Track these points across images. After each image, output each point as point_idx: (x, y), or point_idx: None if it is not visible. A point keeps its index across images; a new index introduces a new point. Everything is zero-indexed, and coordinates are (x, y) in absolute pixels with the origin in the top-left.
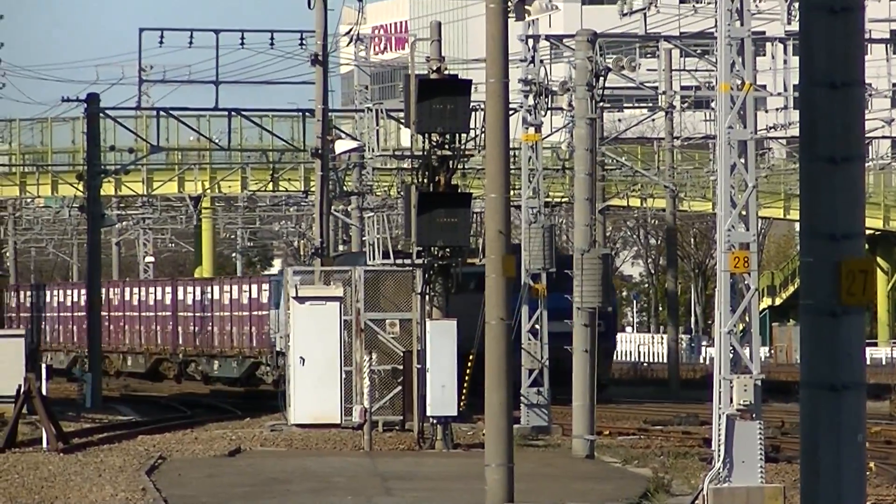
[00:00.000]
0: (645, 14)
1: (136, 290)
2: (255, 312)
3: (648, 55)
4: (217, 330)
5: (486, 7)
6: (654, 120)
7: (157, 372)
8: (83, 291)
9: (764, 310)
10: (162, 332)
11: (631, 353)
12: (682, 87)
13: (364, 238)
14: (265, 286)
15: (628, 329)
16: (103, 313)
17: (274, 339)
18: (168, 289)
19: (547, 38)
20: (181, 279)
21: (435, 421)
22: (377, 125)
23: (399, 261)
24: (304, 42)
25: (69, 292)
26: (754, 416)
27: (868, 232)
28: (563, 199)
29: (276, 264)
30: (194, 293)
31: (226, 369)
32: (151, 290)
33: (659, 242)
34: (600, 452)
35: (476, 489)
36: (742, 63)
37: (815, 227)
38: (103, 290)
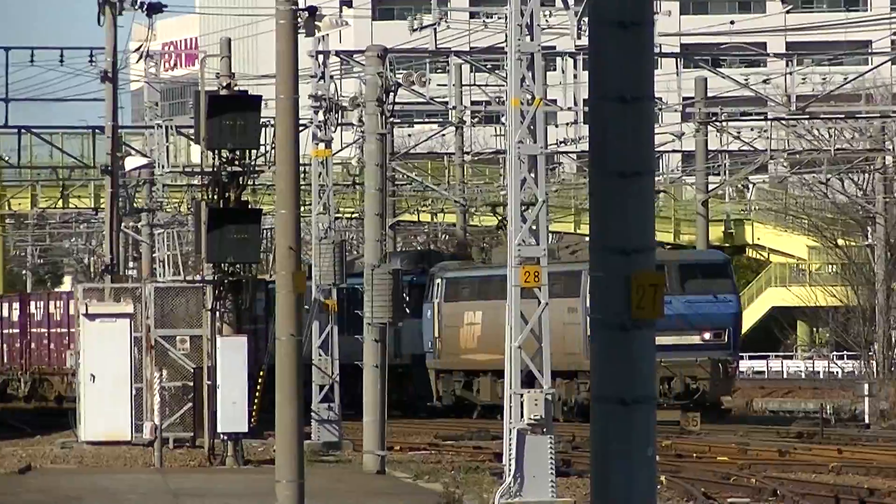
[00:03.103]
0: (435, 29)
1: None
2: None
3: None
4: (35, 346)
5: (276, 23)
6: (444, 135)
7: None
8: None
9: None
10: None
11: None
12: (473, 102)
13: (154, 255)
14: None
15: None
16: None
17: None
18: None
19: (337, 53)
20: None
21: (226, 437)
22: (167, 142)
23: (189, 277)
24: (93, 59)
25: None
26: (545, 430)
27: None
28: (354, 215)
29: (67, 281)
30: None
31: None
32: None
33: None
34: (391, 468)
35: None
36: (532, 78)
37: (605, 242)
38: None
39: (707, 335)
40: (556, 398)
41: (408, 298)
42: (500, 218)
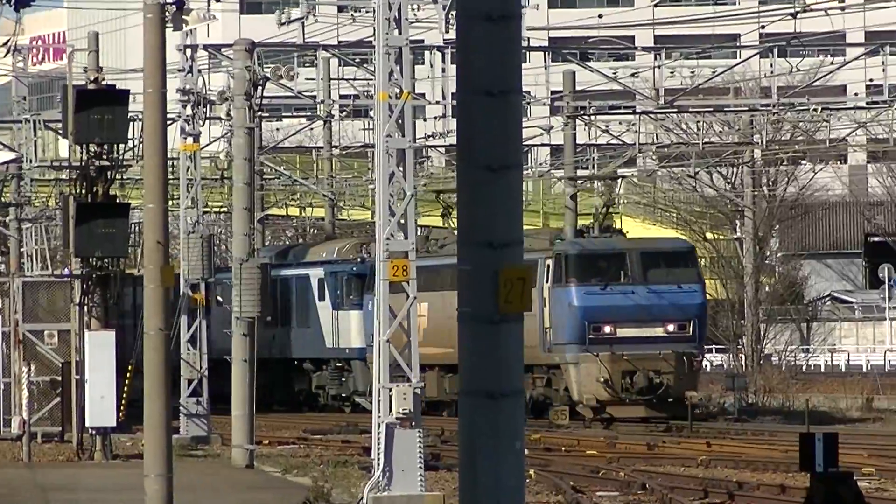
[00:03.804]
0: (303, 23)
1: None
2: None
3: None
4: None
5: (144, 17)
6: (312, 129)
7: None
8: None
9: None
10: None
11: None
12: (341, 96)
13: (22, 249)
14: None
15: None
16: None
17: None
18: None
19: (205, 47)
20: None
21: (94, 432)
22: (35, 136)
23: (57, 271)
24: None
25: None
26: (413, 424)
27: None
28: (223, 209)
29: None
30: None
31: None
32: None
33: None
34: (260, 462)
35: (136, 500)
36: (400, 72)
37: (473, 235)
38: None
39: (671, 327)
40: None
41: (348, 290)
42: (443, 205)
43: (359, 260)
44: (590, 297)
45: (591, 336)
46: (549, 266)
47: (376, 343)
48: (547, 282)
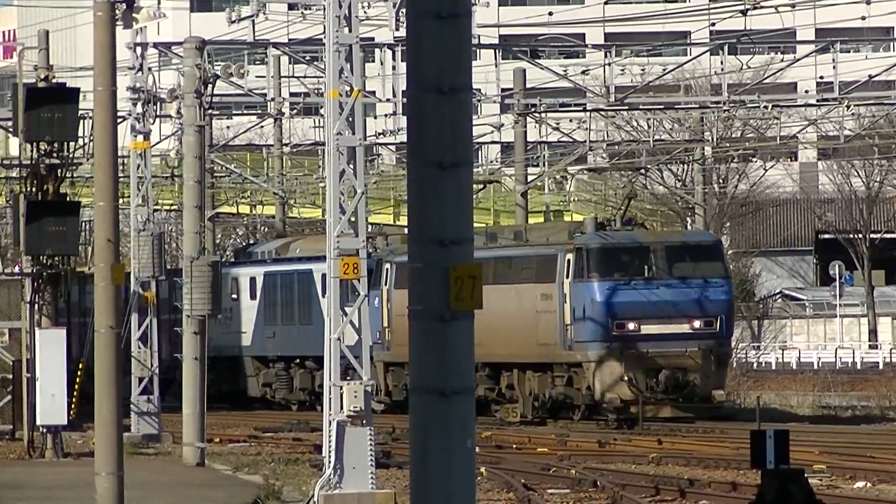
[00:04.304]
0: (253, 21)
1: None
2: None
3: (257, 62)
4: None
5: (94, 15)
6: (262, 127)
7: None
8: None
9: None
10: None
11: None
12: (292, 94)
13: None
14: None
15: None
16: None
17: None
18: None
19: (155, 45)
20: None
21: (45, 430)
22: None
23: (8, 269)
24: None
25: None
26: (364, 422)
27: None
28: (173, 207)
29: None
30: None
31: None
32: None
33: None
34: (211, 460)
35: (87, 498)
36: (350, 69)
37: (423, 233)
38: None
39: (697, 323)
40: (528, 393)
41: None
42: None
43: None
44: (613, 292)
45: (614, 333)
46: (569, 260)
47: (326, 341)
48: (567, 276)
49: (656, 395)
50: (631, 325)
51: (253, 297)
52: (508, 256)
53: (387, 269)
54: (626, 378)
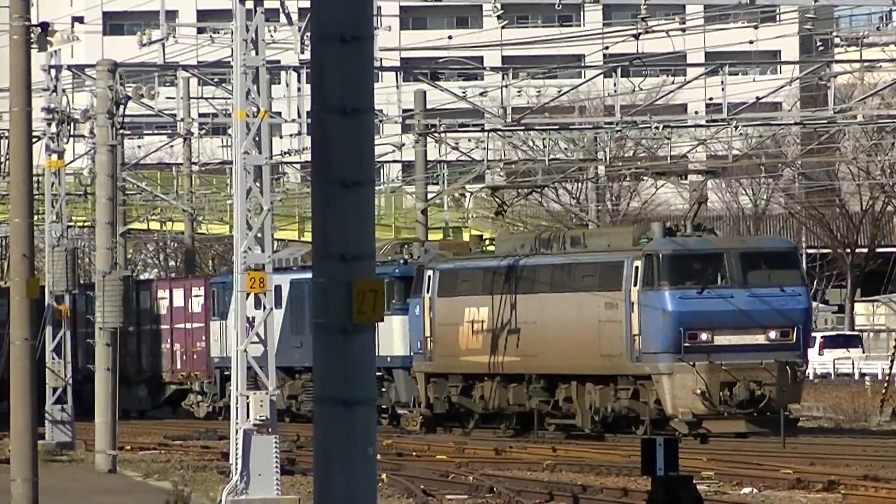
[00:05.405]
0: (163, 44)
1: None
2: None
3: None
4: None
5: (10, 38)
6: (172, 146)
7: None
8: None
9: None
10: None
11: None
12: (200, 115)
13: None
14: (198, 290)
15: None
16: None
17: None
18: None
19: (69, 67)
20: None
21: None
22: None
23: None
24: None
25: None
26: (270, 430)
27: None
28: (86, 223)
29: None
30: None
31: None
32: None
33: (178, 264)
34: (123, 467)
35: (3, 503)
36: (257, 91)
37: (327, 249)
38: None
39: (773, 334)
40: (588, 406)
41: (390, 294)
42: (498, 202)
43: (401, 262)
44: (685, 301)
45: (686, 344)
46: (637, 267)
47: (234, 352)
48: (635, 284)
49: (730, 409)
50: (704, 336)
51: (279, 305)
52: (568, 263)
53: (429, 277)
54: (698, 391)
